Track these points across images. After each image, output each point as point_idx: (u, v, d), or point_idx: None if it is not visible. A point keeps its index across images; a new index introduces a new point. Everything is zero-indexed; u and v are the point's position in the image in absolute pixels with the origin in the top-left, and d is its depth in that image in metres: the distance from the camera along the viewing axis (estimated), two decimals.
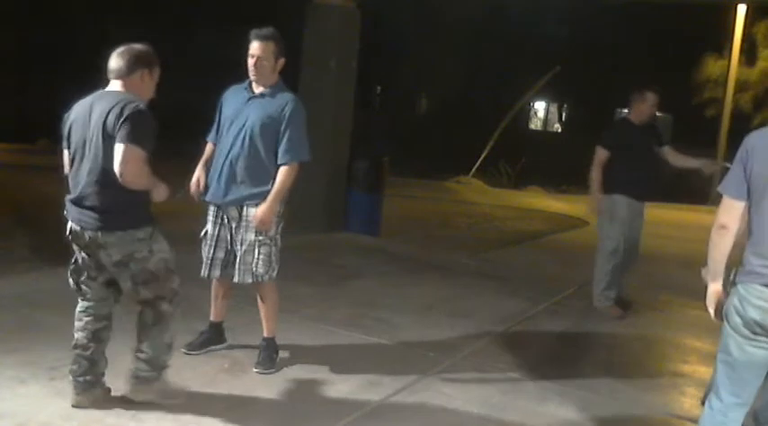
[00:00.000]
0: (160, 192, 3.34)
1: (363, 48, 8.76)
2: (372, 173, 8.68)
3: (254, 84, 4.03)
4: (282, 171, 3.97)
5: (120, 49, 3.36)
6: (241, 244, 4.00)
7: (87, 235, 3.29)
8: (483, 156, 19.76)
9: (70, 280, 3.48)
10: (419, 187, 15.08)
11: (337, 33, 8.37)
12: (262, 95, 4.01)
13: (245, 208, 3.99)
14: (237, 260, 4.01)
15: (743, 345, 2.76)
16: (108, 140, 3.19)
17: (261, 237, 3.99)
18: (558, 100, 27.34)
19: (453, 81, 21.88)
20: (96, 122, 3.23)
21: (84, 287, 3.45)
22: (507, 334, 5.21)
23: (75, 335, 3.46)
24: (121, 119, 3.16)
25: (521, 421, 3.78)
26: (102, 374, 3.51)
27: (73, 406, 3.41)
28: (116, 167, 3.15)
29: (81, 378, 3.43)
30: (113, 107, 3.19)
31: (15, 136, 16.93)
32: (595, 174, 5.63)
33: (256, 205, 3.96)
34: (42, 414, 3.33)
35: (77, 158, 3.31)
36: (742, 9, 15.50)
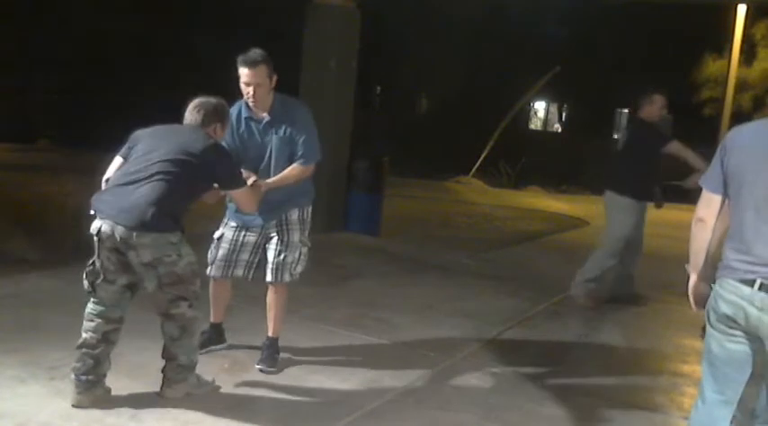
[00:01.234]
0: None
1: (363, 49, 8.76)
2: (372, 173, 8.68)
3: (254, 109, 4.01)
4: (295, 166, 4.01)
5: (197, 103, 3.61)
6: (286, 246, 4.05)
7: (119, 233, 3.29)
8: (483, 156, 19.75)
9: (85, 282, 3.47)
10: (419, 187, 15.08)
11: (337, 33, 8.37)
12: (272, 119, 4.00)
13: (287, 213, 4.06)
14: (277, 261, 4.05)
15: (721, 341, 2.78)
16: (188, 164, 3.40)
17: (303, 238, 4.10)
18: (558, 100, 27.32)
19: (453, 81, 21.86)
20: (181, 145, 3.43)
21: (98, 290, 3.45)
22: (507, 334, 5.22)
23: (84, 334, 3.46)
24: (218, 167, 3.53)
25: (521, 421, 3.78)
26: (105, 375, 3.51)
27: (73, 406, 3.41)
28: (240, 206, 3.82)
29: (84, 377, 3.43)
30: (205, 149, 3.45)
31: (15, 136, 16.93)
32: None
33: (297, 208, 4.08)
34: (42, 414, 3.34)
35: (141, 159, 3.40)
36: (742, 9, 15.47)
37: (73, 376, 3.45)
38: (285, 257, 4.07)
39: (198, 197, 3.61)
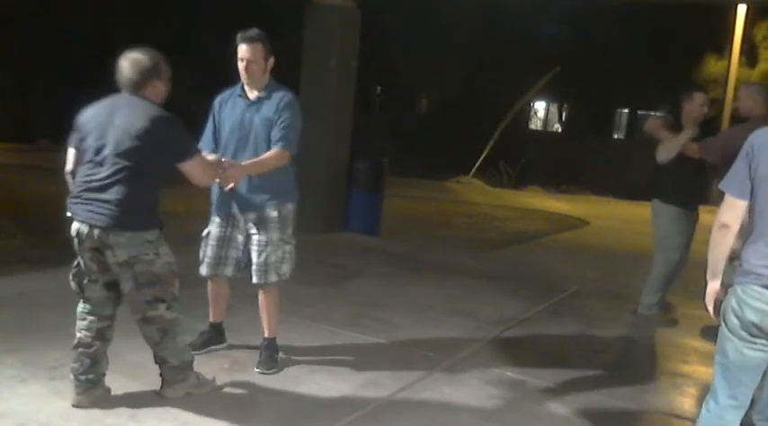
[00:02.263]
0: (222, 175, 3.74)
1: (363, 48, 8.76)
2: (372, 173, 8.69)
3: (247, 89, 4.03)
4: (273, 150, 3.96)
5: (129, 62, 3.38)
6: (265, 245, 4.02)
7: (96, 233, 3.28)
8: (483, 156, 19.78)
9: (72, 283, 3.47)
10: (419, 187, 15.10)
11: (337, 33, 8.38)
12: (259, 100, 4.01)
13: (265, 210, 4.01)
14: (260, 261, 4.02)
15: (740, 347, 2.74)
16: (141, 147, 3.25)
17: (284, 236, 4.05)
18: (558, 100, 27.33)
19: (453, 81, 21.88)
20: (124, 129, 3.27)
21: (85, 290, 3.45)
22: (507, 334, 5.21)
23: (78, 334, 3.46)
24: (165, 139, 3.32)
25: (521, 421, 3.78)
26: (104, 374, 3.51)
27: (73, 406, 3.41)
28: (194, 181, 3.50)
29: (83, 377, 3.43)
30: (147, 124, 3.27)
31: (15, 136, 16.94)
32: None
33: (276, 206, 4.01)
34: (42, 414, 3.34)
35: (96, 159, 3.31)
36: (742, 9, 15.48)
37: (72, 376, 3.45)
38: (267, 257, 4.03)
39: (166, 176, 3.43)
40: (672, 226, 5.64)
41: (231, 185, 3.90)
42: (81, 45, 19.26)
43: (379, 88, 23.51)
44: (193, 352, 4.16)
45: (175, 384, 3.56)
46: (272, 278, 4.06)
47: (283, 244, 4.06)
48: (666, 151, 5.45)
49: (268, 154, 3.95)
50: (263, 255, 4.02)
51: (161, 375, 3.58)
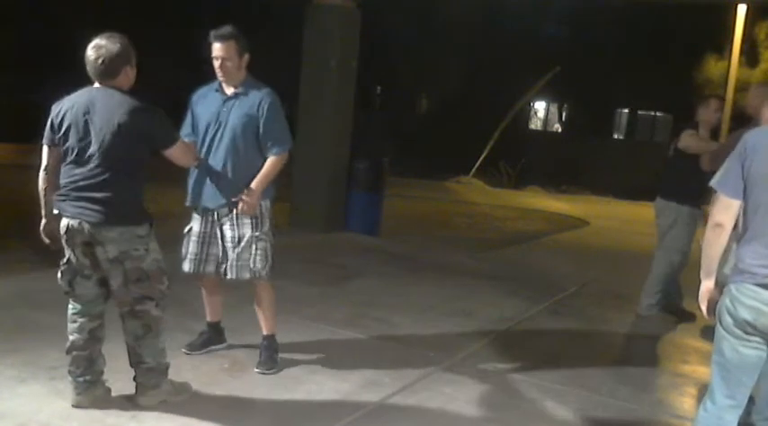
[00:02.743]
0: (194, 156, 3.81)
1: (363, 48, 8.76)
2: (372, 173, 8.69)
3: (224, 85, 4.02)
4: (271, 160, 3.97)
5: (98, 50, 3.27)
6: (238, 241, 3.98)
7: (86, 228, 3.26)
8: (483, 156, 19.80)
9: (62, 281, 3.45)
10: (419, 187, 15.10)
11: (337, 33, 8.38)
12: (236, 95, 4.00)
13: (239, 206, 3.97)
14: (232, 257, 3.99)
15: (736, 346, 2.75)
16: (125, 142, 3.23)
17: (257, 233, 4.00)
18: (558, 100, 27.34)
19: (453, 81, 21.89)
20: (106, 126, 3.23)
21: (76, 287, 3.43)
22: (507, 334, 5.22)
23: (71, 337, 3.45)
24: (147, 131, 3.31)
25: (521, 421, 3.78)
26: (102, 372, 3.51)
27: (73, 406, 3.41)
28: (178, 164, 3.56)
29: (81, 378, 3.43)
30: (127, 119, 3.23)
31: (15, 136, 16.93)
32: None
33: None
34: (42, 414, 3.34)
35: (81, 160, 3.28)
36: (742, 9, 15.47)
37: (71, 378, 3.45)
38: (239, 253, 3.98)
39: (147, 161, 3.40)
40: (674, 225, 5.64)
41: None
42: (81, 45, 19.27)
43: (379, 88, 23.51)
44: (194, 352, 4.18)
45: (150, 390, 3.49)
46: (245, 274, 4.01)
47: (256, 240, 4.00)
48: (689, 143, 5.50)
49: (268, 164, 3.96)
50: (235, 252, 3.98)
51: (134, 379, 3.51)
